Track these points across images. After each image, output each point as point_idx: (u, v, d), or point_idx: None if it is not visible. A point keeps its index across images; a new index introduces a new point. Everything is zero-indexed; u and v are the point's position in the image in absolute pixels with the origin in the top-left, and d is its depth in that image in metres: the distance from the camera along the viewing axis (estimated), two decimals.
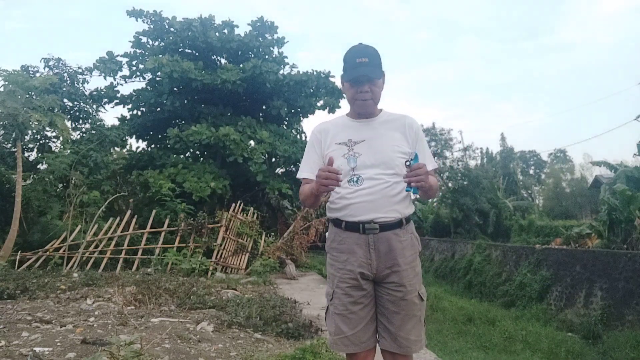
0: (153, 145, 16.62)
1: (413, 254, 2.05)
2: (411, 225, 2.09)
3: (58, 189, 11.98)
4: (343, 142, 2.06)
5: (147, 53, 15.87)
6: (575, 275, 11.10)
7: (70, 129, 13.03)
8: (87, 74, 14.93)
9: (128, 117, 16.13)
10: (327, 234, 2.15)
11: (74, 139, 13.36)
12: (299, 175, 2.18)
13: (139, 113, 16.34)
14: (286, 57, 16.41)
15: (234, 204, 11.34)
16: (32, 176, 11.95)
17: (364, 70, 1.98)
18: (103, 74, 15.04)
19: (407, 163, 1.92)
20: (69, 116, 14.20)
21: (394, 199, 1.99)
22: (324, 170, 1.85)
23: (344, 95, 2.15)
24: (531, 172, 43.12)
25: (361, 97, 2.02)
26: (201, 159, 16.24)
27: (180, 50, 15.69)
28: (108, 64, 15.09)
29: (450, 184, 23.23)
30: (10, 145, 11.95)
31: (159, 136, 16.55)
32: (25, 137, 11.84)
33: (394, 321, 1.97)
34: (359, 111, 2.09)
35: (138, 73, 16.08)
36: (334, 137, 2.09)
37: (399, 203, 2.01)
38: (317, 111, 16.67)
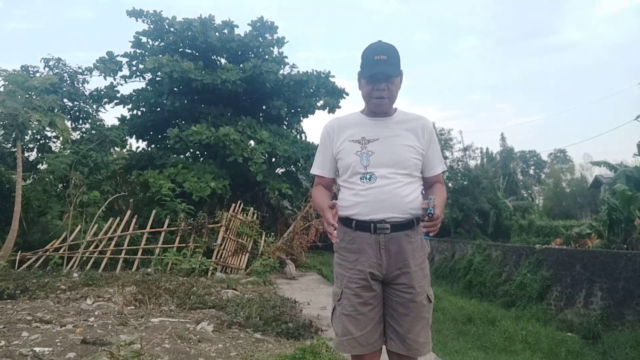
0: (153, 145, 16.61)
1: (423, 256, 2.04)
2: (421, 226, 2.06)
3: (58, 189, 11.96)
4: (356, 139, 2.03)
5: (147, 53, 15.87)
6: (575, 275, 11.10)
7: (70, 129, 13.01)
8: (87, 74, 14.91)
9: (128, 117, 16.12)
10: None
11: (74, 139, 13.34)
12: (311, 171, 2.21)
13: (139, 113, 16.33)
14: (286, 57, 16.44)
15: (234, 204, 11.34)
16: (32, 176, 11.94)
17: (381, 68, 1.95)
18: (103, 74, 15.03)
19: (429, 214, 1.87)
20: (69, 116, 14.19)
21: (406, 199, 1.98)
22: (330, 223, 1.90)
23: (360, 91, 2.10)
24: (531, 172, 43.06)
25: (377, 95, 1.99)
26: (201, 159, 16.23)
27: (180, 50, 15.69)
28: (108, 64, 15.08)
29: (450, 184, 23.22)
30: (10, 145, 11.94)
31: (159, 136, 16.54)
32: (25, 137, 11.82)
33: (403, 323, 1.95)
34: (374, 109, 2.05)
35: (138, 73, 16.07)
36: (346, 134, 2.06)
37: (410, 203, 1.99)
38: (317, 111, 16.67)
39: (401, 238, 1.97)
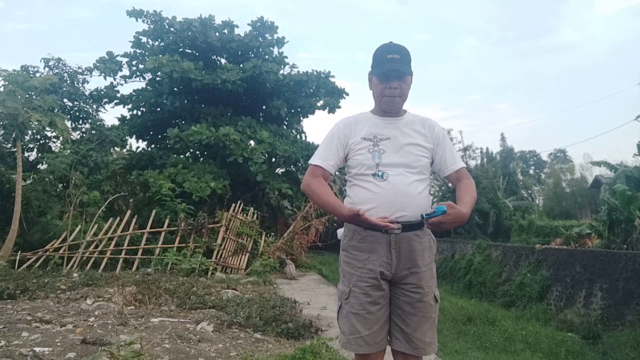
0: (153, 145, 16.61)
1: (431, 256, 2.05)
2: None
3: (58, 189, 11.97)
4: (368, 137, 2.05)
5: (147, 53, 15.87)
6: (575, 275, 11.08)
7: (70, 129, 13.00)
8: (87, 74, 14.92)
9: (128, 117, 16.12)
10: (339, 230, 2.13)
11: (74, 139, 13.33)
12: (311, 161, 2.12)
13: (139, 113, 16.33)
14: (286, 57, 16.44)
15: (234, 204, 11.33)
16: (32, 176, 11.93)
17: (394, 66, 1.98)
18: (103, 74, 15.04)
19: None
20: (69, 116, 14.18)
21: (417, 198, 1.99)
22: (386, 221, 1.88)
23: (371, 91, 2.11)
24: (531, 172, 43.01)
25: (389, 93, 2.01)
26: (201, 159, 16.23)
27: (180, 50, 15.69)
28: (108, 64, 15.08)
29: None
30: (10, 145, 11.93)
31: (159, 136, 16.54)
32: (25, 137, 11.82)
33: (410, 323, 1.96)
34: (386, 108, 2.07)
35: (138, 73, 16.08)
36: (360, 132, 2.08)
37: (422, 202, 2.00)
38: (317, 111, 16.69)
39: (411, 238, 1.98)
